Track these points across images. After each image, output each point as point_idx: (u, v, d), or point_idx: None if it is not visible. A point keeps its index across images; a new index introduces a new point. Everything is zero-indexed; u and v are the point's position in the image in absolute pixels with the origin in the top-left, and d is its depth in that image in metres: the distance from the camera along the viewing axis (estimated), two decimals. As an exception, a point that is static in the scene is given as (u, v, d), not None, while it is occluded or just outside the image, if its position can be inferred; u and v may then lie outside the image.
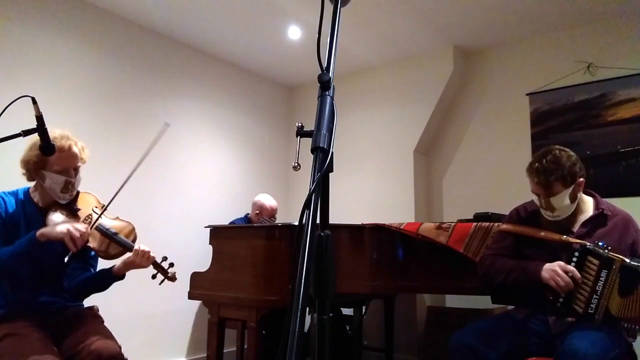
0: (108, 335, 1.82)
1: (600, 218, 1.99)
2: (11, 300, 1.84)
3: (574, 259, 1.86)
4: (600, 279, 1.82)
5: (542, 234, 1.98)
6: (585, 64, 3.52)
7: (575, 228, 2.00)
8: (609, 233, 1.95)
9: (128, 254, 1.96)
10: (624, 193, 3.22)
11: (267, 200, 3.72)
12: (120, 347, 1.77)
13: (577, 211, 2.01)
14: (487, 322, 2.07)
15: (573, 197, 1.95)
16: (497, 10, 3.39)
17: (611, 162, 3.34)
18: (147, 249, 1.96)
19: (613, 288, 1.81)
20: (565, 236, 1.94)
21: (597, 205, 2.02)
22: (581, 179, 1.95)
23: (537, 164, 1.95)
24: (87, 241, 1.83)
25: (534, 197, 2.01)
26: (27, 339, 1.68)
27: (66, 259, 1.80)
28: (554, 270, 1.84)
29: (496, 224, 2.55)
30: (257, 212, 3.68)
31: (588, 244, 1.86)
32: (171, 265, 2.05)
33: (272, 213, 3.67)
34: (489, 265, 2.10)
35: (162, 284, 2.05)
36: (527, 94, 3.75)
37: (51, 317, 1.85)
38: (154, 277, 2.04)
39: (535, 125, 3.70)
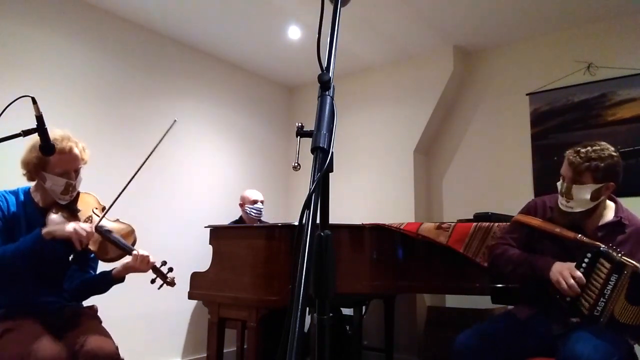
0: (104, 334, 1.82)
1: (617, 226, 1.95)
2: (12, 299, 1.83)
3: (586, 260, 1.84)
4: (610, 282, 1.80)
5: (558, 230, 1.96)
6: (585, 64, 3.52)
7: (591, 231, 1.97)
8: (623, 242, 1.92)
9: (128, 257, 1.95)
10: (624, 193, 3.17)
11: (248, 191, 3.83)
12: (116, 347, 1.77)
13: (597, 214, 1.97)
14: (491, 323, 2.06)
15: (595, 196, 1.90)
16: (497, 10, 3.39)
17: (611, 162, 3.33)
18: (146, 253, 1.95)
19: (621, 293, 1.80)
20: (580, 235, 1.91)
21: (616, 213, 1.99)
22: (612, 183, 1.91)
23: (581, 148, 1.91)
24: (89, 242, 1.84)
25: (559, 183, 1.98)
26: (26, 330, 1.69)
27: (71, 258, 1.81)
28: (562, 273, 1.83)
29: (496, 224, 2.55)
30: (240, 203, 3.79)
31: (602, 246, 1.84)
32: (170, 270, 2.05)
33: (253, 202, 3.73)
34: (499, 253, 2.08)
35: (161, 288, 2.05)
36: (527, 94, 3.75)
37: (51, 316, 1.85)
38: (152, 281, 2.04)
39: (535, 125, 3.70)
